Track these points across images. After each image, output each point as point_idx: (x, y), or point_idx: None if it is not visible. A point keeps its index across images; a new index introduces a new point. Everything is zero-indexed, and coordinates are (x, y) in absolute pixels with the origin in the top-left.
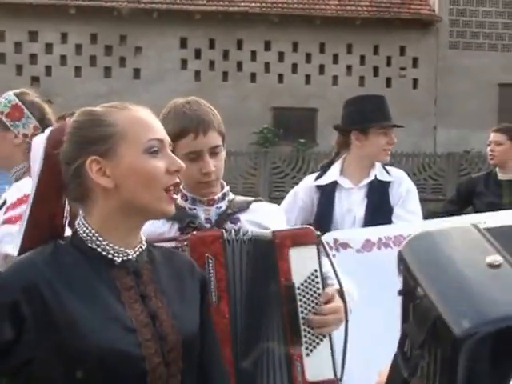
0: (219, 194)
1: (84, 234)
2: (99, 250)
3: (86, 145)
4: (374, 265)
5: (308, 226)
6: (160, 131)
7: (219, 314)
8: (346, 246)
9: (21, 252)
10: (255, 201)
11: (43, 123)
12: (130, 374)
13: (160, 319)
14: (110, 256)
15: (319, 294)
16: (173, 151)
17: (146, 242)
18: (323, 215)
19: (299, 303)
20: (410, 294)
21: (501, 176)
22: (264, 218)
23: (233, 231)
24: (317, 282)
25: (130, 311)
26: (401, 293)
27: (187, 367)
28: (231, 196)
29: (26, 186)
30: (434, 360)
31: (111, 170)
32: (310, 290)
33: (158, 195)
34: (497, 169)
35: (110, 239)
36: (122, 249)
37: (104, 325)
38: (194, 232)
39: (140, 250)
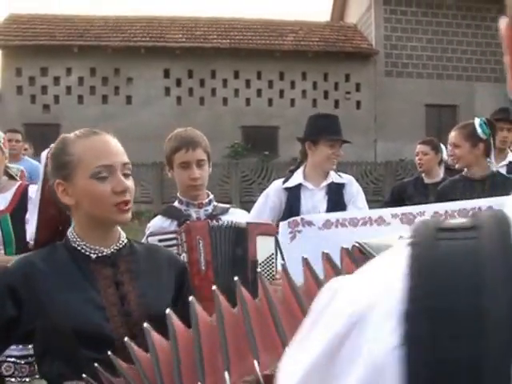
0: (206, 200)
1: (71, 237)
2: (79, 248)
3: (55, 169)
4: (332, 239)
5: (271, 222)
6: (110, 157)
7: (207, 280)
8: (310, 223)
9: (36, 246)
10: (232, 207)
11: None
12: (102, 342)
13: (128, 299)
14: (87, 253)
15: (273, 270)
16: (170, 162)
17: (129, 239)
18: (292, 211)
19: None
20: None
21: (427, 180)
22: (237, 219)
23: (215, 222)
24: (272, 262)
25: (103, 294)
26: None
27: None
28: (215, 203)
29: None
30: None
31: (71, 191)
32: (268, 267)
33: (108, 210)
34: (423, 174)
35: (87, 240)
36: (97, 247)
37: (79, 305)
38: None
39: (116, 247)
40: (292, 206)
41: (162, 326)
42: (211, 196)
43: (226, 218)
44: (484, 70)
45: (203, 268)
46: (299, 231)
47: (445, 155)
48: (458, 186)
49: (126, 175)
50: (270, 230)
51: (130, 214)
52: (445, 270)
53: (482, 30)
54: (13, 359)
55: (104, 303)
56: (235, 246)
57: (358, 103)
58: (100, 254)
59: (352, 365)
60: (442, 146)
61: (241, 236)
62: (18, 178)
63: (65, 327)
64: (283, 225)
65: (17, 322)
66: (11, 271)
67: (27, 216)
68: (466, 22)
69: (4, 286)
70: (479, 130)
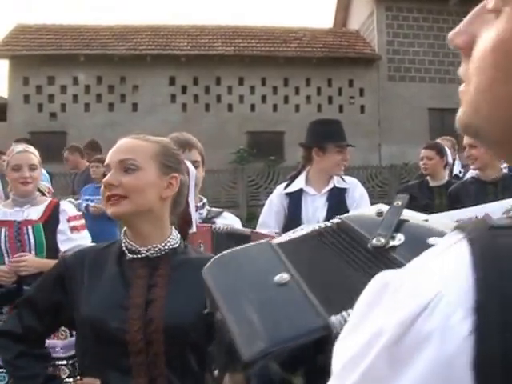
0: (200, 203)
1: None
2: (122, 244)
3: None
4: None
5: (273, 235)
6: (110, 157)
7: None
8: None
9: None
10: (223, 211)
11: None
12: (115, 341)
13: (154, 305)
14: (126, 251)
15: None
16: None
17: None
18: (293, 218)
19: None
20: (213, 316)
21: (432, 183)
22: (231, 222)
23: (217, 226)
24: None
25: (132, 294)
26: (207, 315)
27: (172, 351)
28: (208, 207)
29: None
30: None
31: None
32: None
33: (104, 204)
34: (428, 178)
35: (128, 237)
36: (136, 247)
37: (101, 301)
38: None
39: (158, 248)
40: (292, 211)
41: (180, 339)
42: (204, 200)
43: (219, 222)
44: None
45: None
46: None
47: (450, 159)
48: (470, 189)
49: (127, 170)
50: None
51: (120, 208)
52: (511, 262)
53: None
54: (64, 361)
55: (129, 304)
56: None
57: (362, 108)
58: (137, 255)
59: (418, 352)
60: (447, 149)
61: (243, 243)
62: (46, 194)
63: (85, 322)
64: None
65: (63, 308)
66: (65, 260)
67: None
68: None
69: (56, 274)
70: None
